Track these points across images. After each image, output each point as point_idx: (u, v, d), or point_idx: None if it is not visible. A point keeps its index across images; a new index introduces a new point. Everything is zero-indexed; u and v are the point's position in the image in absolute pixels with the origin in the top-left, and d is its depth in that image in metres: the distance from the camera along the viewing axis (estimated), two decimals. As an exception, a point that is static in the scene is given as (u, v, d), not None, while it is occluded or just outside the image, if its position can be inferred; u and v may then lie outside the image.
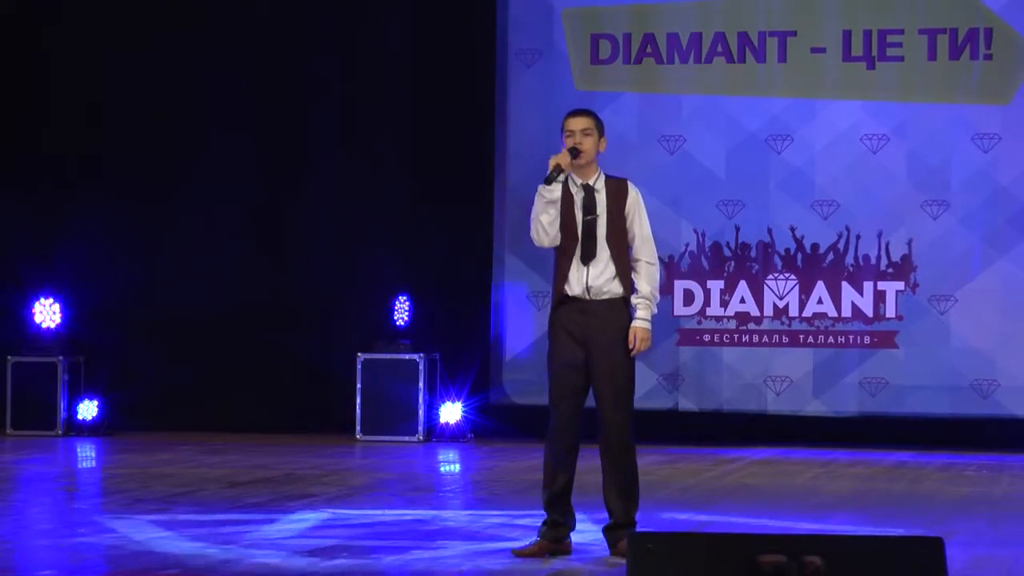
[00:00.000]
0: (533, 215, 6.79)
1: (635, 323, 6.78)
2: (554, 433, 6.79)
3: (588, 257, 6.77)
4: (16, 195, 13.48)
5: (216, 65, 13.32)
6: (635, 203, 6.86)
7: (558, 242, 6.81)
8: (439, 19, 13.06)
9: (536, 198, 6.77)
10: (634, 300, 6.81)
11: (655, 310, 6.85)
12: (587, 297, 6.77)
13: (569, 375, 6.76)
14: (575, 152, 6.76)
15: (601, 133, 6.88)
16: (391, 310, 12.67)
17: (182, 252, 13.33)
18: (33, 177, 13.51)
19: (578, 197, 6.82)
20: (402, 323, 12.62)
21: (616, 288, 6.78)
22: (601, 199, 6.82)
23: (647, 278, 6.83)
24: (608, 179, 6.89)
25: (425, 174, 13.09)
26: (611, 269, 6.77)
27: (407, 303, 12.69)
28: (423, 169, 13.11)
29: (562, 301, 6.81)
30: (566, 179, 6.82)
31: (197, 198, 13.33)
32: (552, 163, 6.74)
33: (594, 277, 6.76)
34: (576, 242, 6.77)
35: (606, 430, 6.75)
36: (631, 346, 6.76)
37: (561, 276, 6.81)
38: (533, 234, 6.82)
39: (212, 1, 13.36)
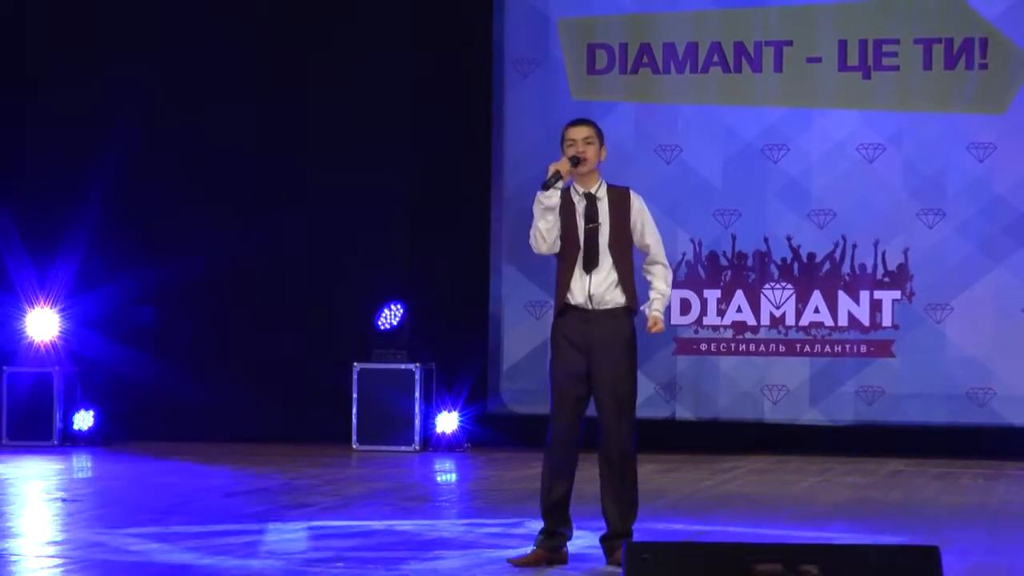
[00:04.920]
0: (533, 222, 6.80)
1: (653, 311, 6.78)
2: (554, 443, 6.78)
3: (591, 265, 6.76)
4: (11, 205, 13.49)
5: (212, 71, 13.32)
6: (640, 211, 6.87)
7: (556, 249, 6.80)
8: (436, 29, 13.08)
9: (534, 205, 6.77)
10: (652, 294, 6.85)
11: (668, 294, 6.91)
12: (589, 306, 6.76)
13: (571, 385, 6.75)
14: (576, 160, 6.76)
15: (602, 142, 6.90)
16: (387, 319, 12.67)
17: (177, 261, 13.33)
18: (28, 187, 13.52)
19: (580, 205, 6.82)
20: (388, 328, 12.59)
21: (618, 297, 6.77)
22: (603, 207, 6.83)
23: (664, 280, 6.90)
24: (610, 188, 6.89)
25: (423, 183, 13.11)
26: (613, 277, 6.77)
27: (400, 311, 12.68)
28: (421, 178, 13.12)
29: (564, 310, 6.80)
30: (568, 188, 6.82)
31: (192, 206, 13.33)
32: (551, 169, 6.74)
33: (596, 285, 6.76)
34: (578, 250, 6.77)
35: (608, 439, 6.74)
36: (651, 327, 6.77)
37: (563, 285, 6.80)
38: (531, 241, 6.81)
39: (213, 5, 13.36)
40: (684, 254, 12.61)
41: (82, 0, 13.54)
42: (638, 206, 6.87)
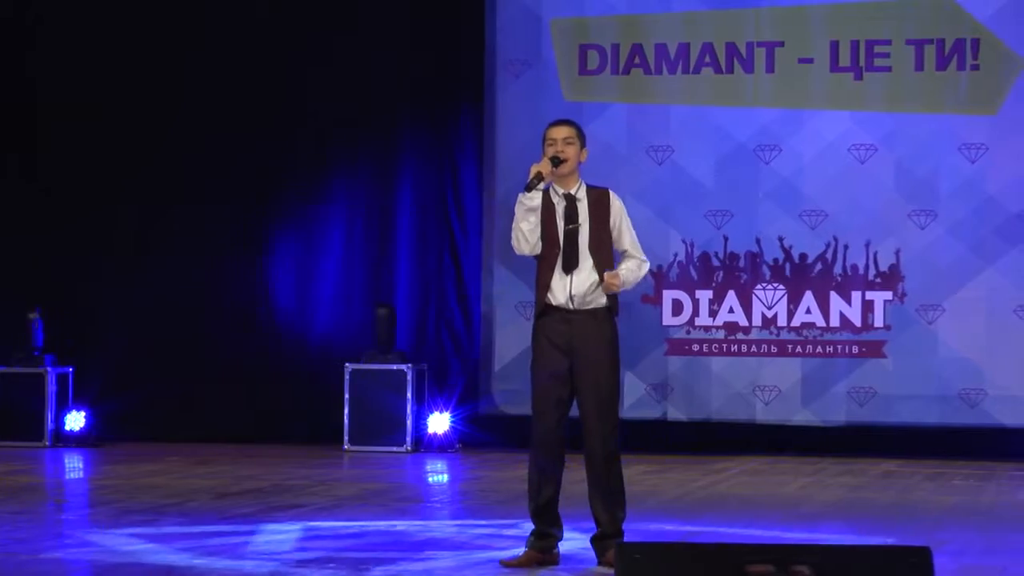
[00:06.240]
0: (514, 223, 6.79)
1: (615, 271, 6.71)
2: (538, 444, 6.78)
3: (570, 266, 6.76)
4: (5, 206, 13.47)
5: (204, 75, 13.31)
6: (620, 213, 6.86)
7: (538, 250, 6.80)
8: (428, 29, 13.08)
9: (516, 206, 6.77)
10: (619, 266, 6.77)
11: (627, 283, 6.79)
12: (571, 307, 6.76)
13: (553, 386, 6.76)
14: (557, 161, 6.76)
15: (583, 143, 6.88)
16: (376, 320, 12.65)
17: (171, 263, 13.32)
18: (22, 189, 13.51)
19: (560, 206, 6.82)
20: (382, 335, 12.57)
21: (600, 298, 6.77)
22: (583, 208, 6.82)
23: (636, 265, 6.82)
24: (590, 188, 6.89)
25: (415, 184, 13.10)
26: (594, 278, 6.76)
27: (386, 312, 12.65)
28: (413, 179, 13.11)
29: (545, 311, 6.80)
30: (548, 188, 6.82)
31: (186, 207, 13.31)
32: (533, 171, 6.74)
33: (577, 286, 6.76)
34: (558, 251, 6.77)
35: (591, 440, 6.74)
36: (608, 281, 6.69)
37: (543, 286, 6.80)
38: (514, 242, 6.81)
39: (207, 11, 13.34)
40: (676, 255, 12.60)
41: (80, 5, 13.52)
42: (617, 206, 6.86)
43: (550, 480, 6.76)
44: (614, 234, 6.84)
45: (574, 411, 6.81)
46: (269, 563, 6.81)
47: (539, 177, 6.71)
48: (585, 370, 6.72)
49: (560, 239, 6.77)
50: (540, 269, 6.83)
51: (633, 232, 6.90)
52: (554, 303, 6.77)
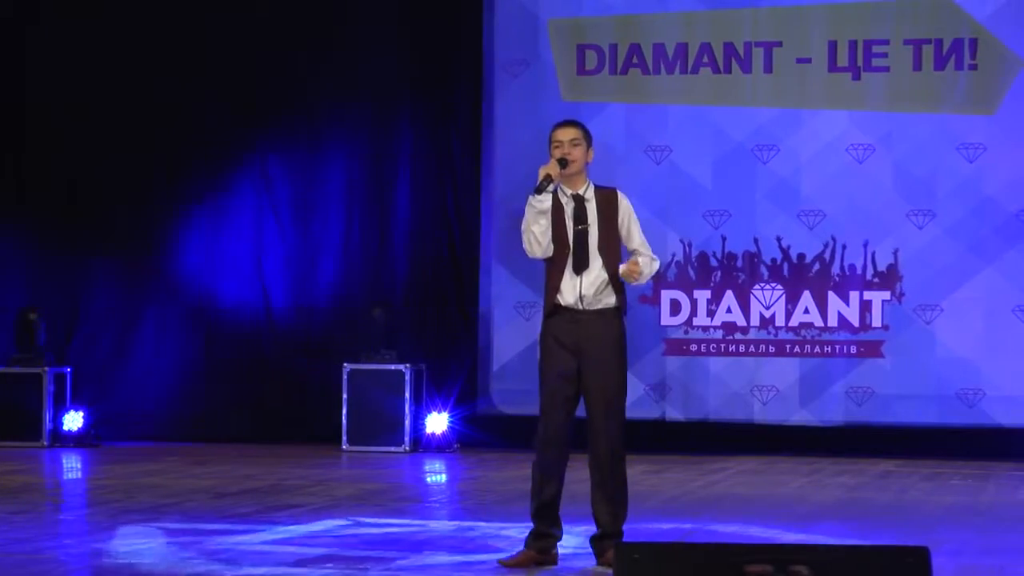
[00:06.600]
0: (524, 226, 6.79)
1: (636, 262, 6.76)
2: (544, 443, 6.77)
3: (580, 267, 6.76)
4: (4, 206, 13.47)
5: (202, 76, 13.32)
6: (628, 213, 6.87)
7: (551, 252, 6.80)
8: (426, 29, 13.08)
9: (526, 209, 6.76)
10: (639, 258, 6.81)
11: (644, 275, 6.83)
12: (580, 307, 6.76)
13: (561, 385, 6.75)
14: (564, 162, 6.76)
15: (589, 144, 6.89)
16: (374, 320, 12.66)
17: (169, 262, 13.32)
18: (18, 191, 13.50)
19: (568, 207, 6.82)
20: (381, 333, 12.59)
21: (609, 298, 6.77)
22: (592, 209, 6.82)
23: (648, 260, 6.85)
24: (598, 189, 6.90)
25: (413, 184, 13.11)
26: (604, 278, 6.77)
27: (384, 312, 12.66)
28: (411, 179, 13.12)
29: (554, 311, 6.80)
30: (556, 189, 6.82)
31: (184, 207, 13.32)
32: (542, 173, 6.73)
33: (587, 286, 6.76)
34: (568, 252, 6.77)
35: (596, 440, 6.74)
36: (631, 263, 6.74)
37: (553, 286, 6.80)
38: (526, 245, 6.80)
39: (204, 11, 13.35)
40: (674, 255, 12.61)
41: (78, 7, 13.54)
42: (625, 206, 6.87)
43: (554, 479, 6.75)
44: (623, 233, 6.85)
45: (579, 411, 6.80)
46: (267, 562, 6.81)
47: (548, 179, 6.71)
48: (593, 370, 6.72)
49: (570, 240, 6.77)
50: (549, 270, 6.82)
51: (642, 233, 6.91)
52: (563, 303, 6.77)
